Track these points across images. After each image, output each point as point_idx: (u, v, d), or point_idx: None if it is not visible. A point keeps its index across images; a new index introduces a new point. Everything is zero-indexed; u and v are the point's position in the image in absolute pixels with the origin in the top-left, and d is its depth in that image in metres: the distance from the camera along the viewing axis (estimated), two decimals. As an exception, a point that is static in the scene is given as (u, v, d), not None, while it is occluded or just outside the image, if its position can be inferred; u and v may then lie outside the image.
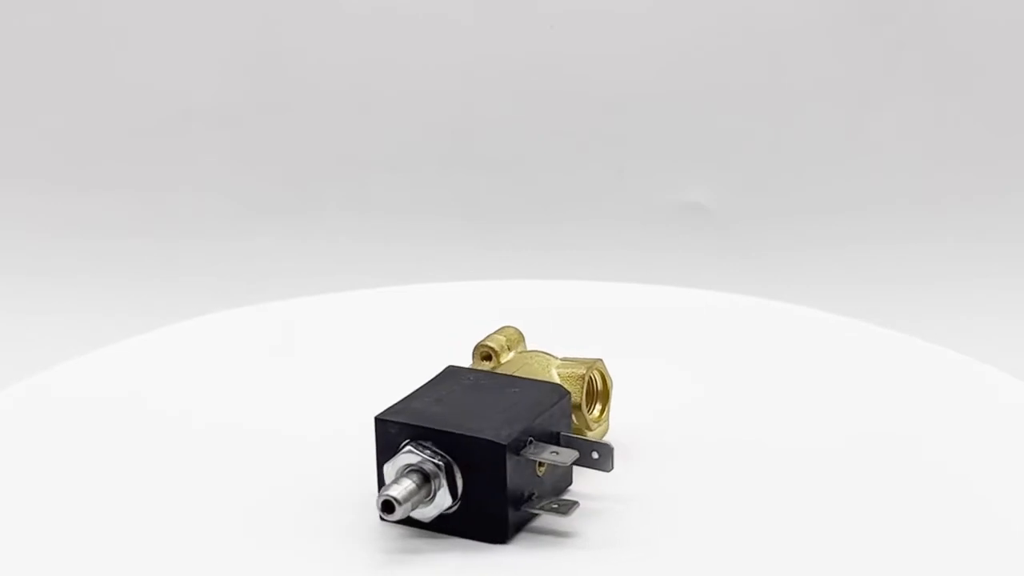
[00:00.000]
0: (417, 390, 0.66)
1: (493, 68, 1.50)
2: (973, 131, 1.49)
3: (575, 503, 0.64)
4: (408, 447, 0.63)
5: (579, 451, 0.64)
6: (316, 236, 1.50)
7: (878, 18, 1.48)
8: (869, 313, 1.00)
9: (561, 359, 0.70)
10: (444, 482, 0.62)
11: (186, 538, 0.65)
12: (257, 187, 1.52)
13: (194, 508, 0.67)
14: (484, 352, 0.71)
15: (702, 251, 1.48)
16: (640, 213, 1.50)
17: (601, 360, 0.70)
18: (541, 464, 0.64)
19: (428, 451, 0.62)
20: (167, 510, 0.67)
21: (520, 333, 0.72)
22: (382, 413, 0.64)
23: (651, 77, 1.50)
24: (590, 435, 0.69)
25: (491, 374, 0.68)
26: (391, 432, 0.63)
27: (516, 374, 0.68)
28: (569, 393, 0.66)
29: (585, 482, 0.66)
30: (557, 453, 0.63)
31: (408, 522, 0.63)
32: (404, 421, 0.63)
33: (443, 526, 0.63)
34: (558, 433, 0.65)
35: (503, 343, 0.71)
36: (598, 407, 0.70)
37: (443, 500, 0.62)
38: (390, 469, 0.63)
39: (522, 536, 0.64)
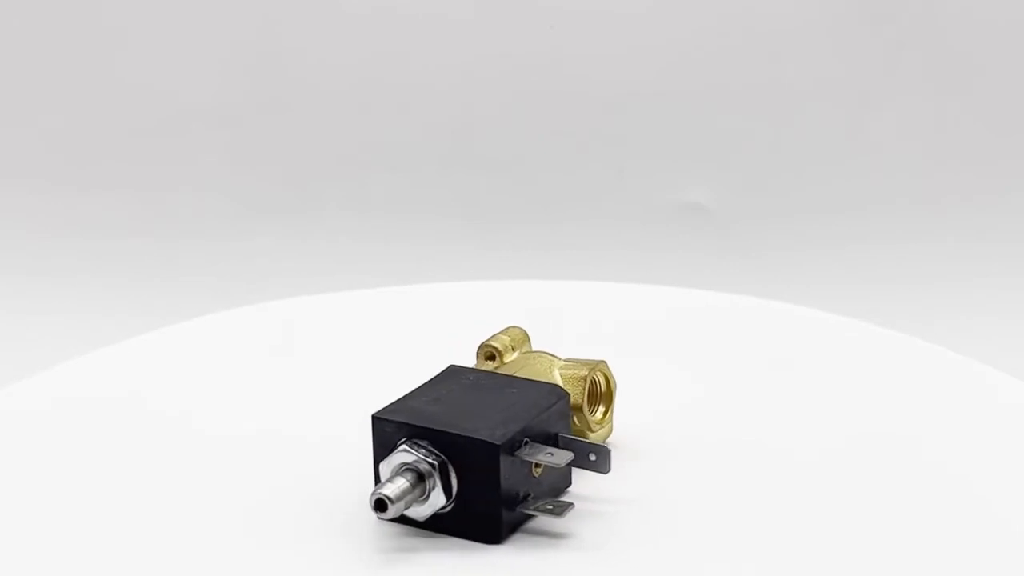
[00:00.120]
0: (416, 389, 0.67)
1: (493, 68, 1.50)
2: (973, 131, 1.49)
3: (570, 504, 0.64)
4: (403, 446, 0.63)
5: (576, 453, 0.64)
6: (316, 236, 1.50)
7: (878, 18, 1.48)
8: (869, 313, 1.00)
9: (564, 360, 0.70)
10: (438, 481, 0.62)
11: (186, 538, 0.65)
12: (257, 187, 1.52)
13: (194, 508, 0.67)
14: (488, 352, 0.71)
15: (702, 251, 1.48)
16: (640, 213, 1.50)
17: (604, 362, 0.70)
18: (537, 465, 0.64)
19: (423, 450, 0.62)
20: (167, 510, 0.67)
21: (525, 334, 0.72)
22: (379, 411, 0.64)
23: (651, 77, 1.50)
24: (592, 437, 0.69)
25: (491, 374, 0.68)
26: (387, 430, 0.63)
27: (517, 375, 0.68)
28: (568, 394, 0.66)
29: (584, 483, 0.66)
30: (552, 454, 0.63)
31: (405, 521, 0.64)
32: (400, 420, 0.63)
33: (438, 525, 0.63)
34: (556, 434, 0.65)
35: (507, 343, 0.71)
36: (601, 409, 0.70)
37: (437, 499, 0.62)
38: (385, 467, 0.63)
39: (517, 537, 0.64)
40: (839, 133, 1.50)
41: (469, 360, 0.71)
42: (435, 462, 0.62)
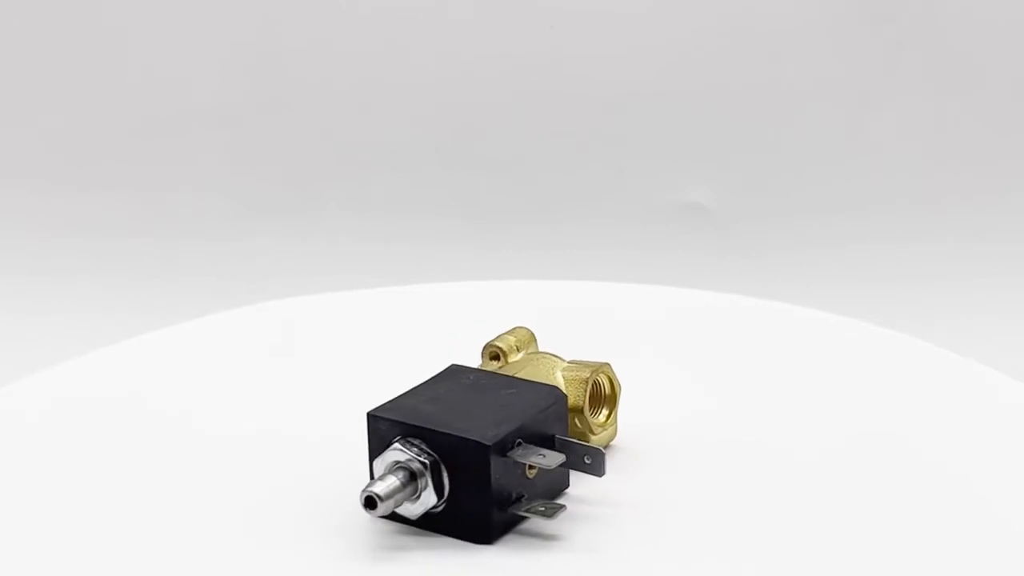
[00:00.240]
0: (415, 387, 0.67)
1: (493, 68, 1.50)
2: (973, 131, 1.49)
3: (561, 507, 0.63)
4: (396, 444, 0.63)
5: (571, 455, 0.64)
6: (316, 236, 1.50)
7: (878, 18, 1.48)
8: (869, 313, 1.00)
9: (568, 362, 0.70)
10: (430, 480, 0.62)
11: (186, 538, 0.65)
12: (257, 187, 1.52)
13: (194, 508, 0.67)
14: (492, 352, 0.71)
15: (702, 251, 1.48)
16: (640, 213, 1.50)
17: (608, 364, 0.70)
18: (531, 466, 0.64)
19: (415, 449, 0.63)
20: (167, 510, 0.67)
21: (532, 335, 0.72)
22: (374, 409, 0.64)
23: (651, 77, 1.50)
24: (595, 439, 0.69)
25: (491, 374, 0.68)
26: (382, 428, 0.64)
27: (519, 375, 0.68)
28: (565, 396, 0.66)
29: (584, 485, 0.66)
30: (544, 456, 0.63)
31: (401, 520, 0.64)
32: (394, 418, 0.64)
33: (431, 525, 0.64)
34: (552, 436, 0.65)
35: (512, 343, 0.71)
36: (604, 412, 0.70)
37: (428, 498, 0.63)
38: (379, 465, 0.63)
39: (509, 537, 0.64)
40: (839, 133, 1.50)
41: (470, 360, 0.71)
42: (427, 461, 0.62)
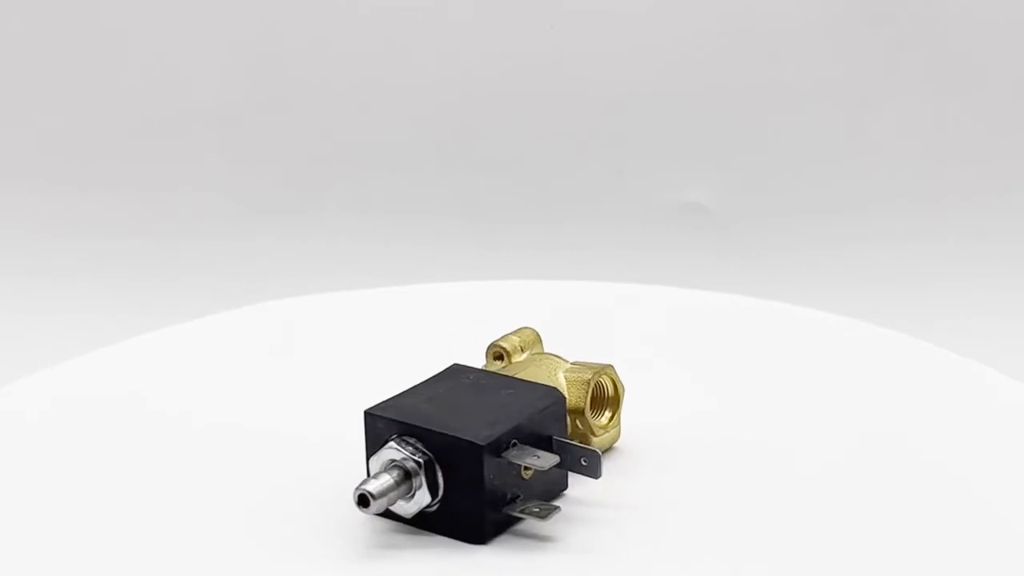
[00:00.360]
0: (415, 386, 0.67)
1: (493, 68, 1.50)
2: (973, 131, 1.49)
3: (556, 508, 0.63)
4: (392, 442, 0.63)
5: (568, 457, 0.64)
6: (316, 236, 1.50)
7: (878, 18, 1.48)
8: (869, 313, 1.00)
9: (571, 363, 0.70)
10: (424, 480, 0.62)
11: (186, 538, 0.65)
12: (257, 187, 1.52)
13: (194, 508, 0.67)
14: (496, 352, 0.71)
15: (702, 251, 1.48)
16: (640, 213, 1.50)
17: (611, 366, 0.69)
18: (527, 467, 0.64)
19: (410, 448, 0.63)
20: (167, 510, 0.67)
21: (537, 335, 0.72)
22: (371, 407, 0.65)
23: (651, 77, 1.50)
24: (598, 441, 0.69)
25: (491, 374, 0.68)
26: (378, 426, 0.64)
27: (520, 375, 0.68)
28: (564, 397, 0.66)
29: (583, 486, 0.66)
30: (538, 457, 0.63)
31: (397, 518, 0.64)
32: (390, 417, 0.64)
33: (425, 524, 0.64)
34: (550, 437, 0.65)
35: (516, 344, 0.71)
36: (607, 414, 0.70)
37: (423, 497, 0.63)
38: (374, 463, 0.63)
39: (504, 538, 0.64)
40: (839, 133, 1.50)
41: (470, 360, 0.71)
42: (421, 460, 0.62)
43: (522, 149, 1.51)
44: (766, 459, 0.70)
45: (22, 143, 1.52)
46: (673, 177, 1.50)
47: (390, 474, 0.62)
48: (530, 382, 0.67)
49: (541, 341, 0.72)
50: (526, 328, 0.72)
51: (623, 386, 0.70)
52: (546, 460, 0.63)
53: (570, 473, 0.66)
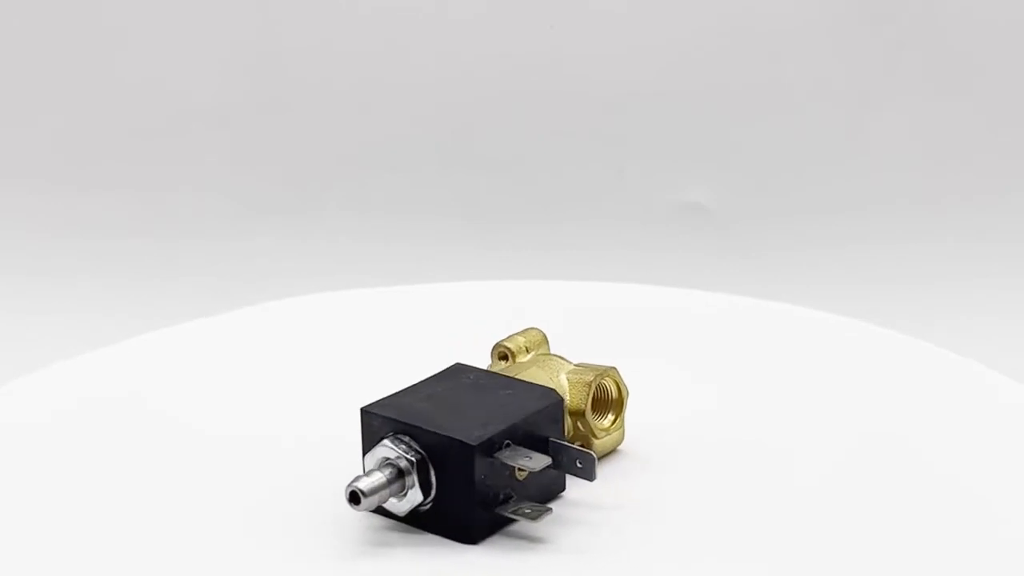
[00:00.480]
0: (414, 385, 0.67)
1: (493, 68, 1.50)
2: (973, 131, 1.49)
3: (547, 509, 0.63)
4: (386, 441, 0.63)
5: (564, 459, 0.64)
6: (316, 236, 1.50)
7: (878, 18, 1.48)
8: (869, 313, 1.00)
9: (575, 365, 0.70)
10: (416, 478, 0.62)
11: (186, 538, 0.65)
12: (257, 187, 1.52)
13: (194, 508, 0.67)
14: (501, 352, 0.71)
15: (702, 251, 1.48)
16: (640, 213, 1.50)
17: (615, 369, 0.69)
18: (521, 468, 0.64)
19: (404, 446, 0.63)
20: (167, 510, 0.67)
21: (544, 336, 0.72)
22: (367, 405, 0.65)
23: (651, 77, 1.50)
24: (600, 443, 0.68)
25: (492, 374, 0.68)
26: (374, 424, 0.64)
27: (521, 376, 0.68)
28: (561, 399, 0.66)
29: (582, 486, 0.66)
30: (530, 458, 0.63)
31: (392, 516, 0.64)
32: (386, 415, 0.64)
33: (419, 522, 0.64)
34: (547, 438, 0.65)
35: (521, 344, 0.71)
36: (610, 416, 0.69)
37: (415, 496, 0.63)
38: (369, 460, 0.63)
39: (497, 538, 0.64)
40: (839, 133, 1.50)
41: (470, 360, 0.71)
42: (414, 459, 0.63)
43: (522, 149, 1.51)
44: (766, 459, 0.70)
45: (22, 143, 1.52)
46: (673, 177, 1.50)
47: (383, 472, 0.63)
48: (529, 383, 0.67)
49: (548, 342, 0.72)
50: (533, 329, 0.72)
51: (627, 389, 0.70)
52: (538, 461, 0.63)
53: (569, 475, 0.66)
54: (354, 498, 0.62)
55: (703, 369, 0.79)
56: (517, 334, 0.71)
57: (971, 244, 1.47)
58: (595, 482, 0.65)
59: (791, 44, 1.49)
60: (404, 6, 1.50)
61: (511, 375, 0.68)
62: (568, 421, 0.68)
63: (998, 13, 1.48)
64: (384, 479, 0.63)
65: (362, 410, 0.65)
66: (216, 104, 1.51)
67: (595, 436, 0.68)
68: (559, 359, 0.70)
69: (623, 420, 0.70)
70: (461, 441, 0.62)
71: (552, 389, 0.66)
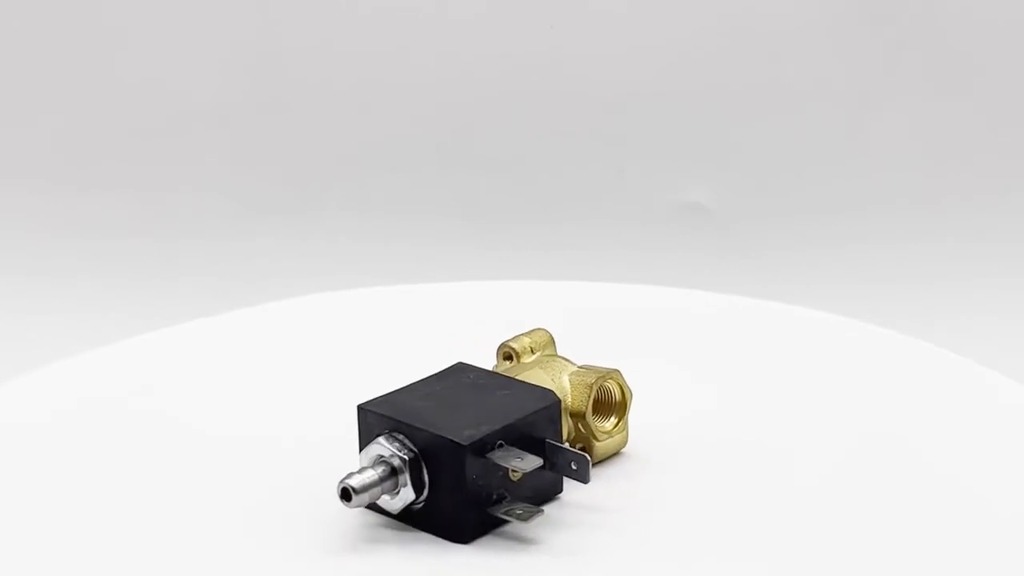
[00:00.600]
0: (414, 383, 0.67)
1: (493, 68, 1.50)
2: (973, 131, 1.49)
3: (539, 511, 0.63)
4: (380, 438, 0.63)
5: (560, 460, 0.64)
6: (316, 236, 1.50)
7: (878, 18, 1.48)
8: (869, 313, 1.00)
9: (579, 366, 0.70)
10: (409, 477, 0.62)
11: (185, 538, 0.65)
12: (257, 187, 1.52)
13: (193, 508, 0.67)
14: (505, 352, 0.71)
15: (702, 251, 1.48)
16: (640, 213, 1.50)
17: (618, 371, 0.69)
18: (514, 469, 0.64)
19: (398, 444, 0.63)
20: (166, 510, 0.67)
21: (550, 337, 0.72)
22: (365, 402, 0.65)
23: (651, 77, 1.50)
24: (601, 446, 0.68)
25: (492, 374, 0.68)
26: (370, 421, 0.64)
27: (523, 377, 0.68)
28: (559, 401, 0.66)
29: (582, 487, 0.66)
30: (521, 459, 0.63)
31: (386, 513, 0.64)
32: (381, 412, 0.64)
33: (413, 521, 0.64)
34: (543, 439, 0.65)
35: (527, 345, 0.71)
36: (613, 419, 0.69)
37: (407, 494, 0.63)
38: (363, 458, 0.64)
39: (487, 539, 0.64)
40: (839, 133, 1.50)
41: (470, 360, 0.71)
42: (406, 457, 0.63)
43: (522, 149, 1.51)
44: (766, 459, 0.70)
45: (22, 143, 1.52)
46: (673, 177, 1.50)
47: (375, 469, 0.63)
48: (528, 384, 0.67)
49: (554, 343, 0.72)
50: (539, 330, 0.72)
51: (631, 392, 0.69)
52: (529, 462, 0.63)
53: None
54: (345, 495, 0.62)
55: (703, 369, 0.79)
56: (523, 334, 0.71)
57: (971, 244, 1.47)
58: (595, 482, 0.65)
59: (791, 44, 1.49)
60: (404, 6, 1.50)
61: (513, 375, 0.68)
62: (569, 423, 0.68)
63: (998, 13, 1.48)
64: (376, 476, 0.63)
65: (359, 407, 0.65)
66: (216, 104, 1.51)
67: (596, 438, 0.68)
68: (563, 360, 0.70)
69: (626, 423, 0.69)
70: (452, 440, 0.62)
71: (550, 390, 0.66)
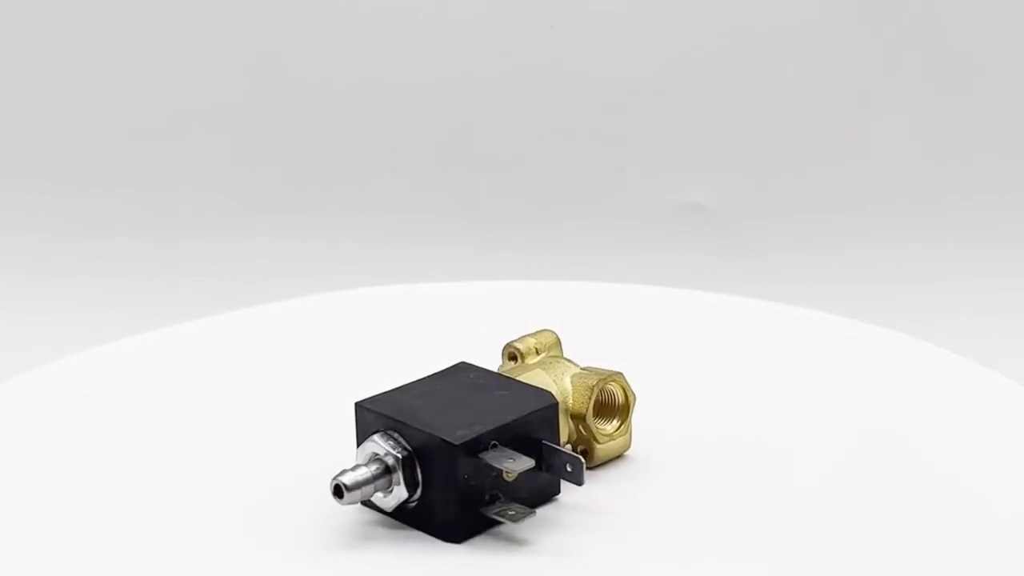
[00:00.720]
0: (414, 382, 0.67)
1: (493, 68, 1.50)
2: (973, 131, 1.49)
3: (531, 512, 0.63)
4: (376, 436, 0.63)
5: (555, 462, 0.64)
6: (316, 236, 1.50)
7: (878, 18, 1.48)
8: (869, 313, 1.00)
9: (582, 368, 0.70)
10: (402, 475, 0.63)
11: (185, 538, 0.65)
12: (257, 187, 1.52)
13: (193, 508, 0.67)
14: (510, 352, 0.71)
15: (702, 251, 1.48)
16: (640, 213, 1.50)
17: (621, 374, 0.69)
18: (506, 469, 0.64)
19: (392, 442, 0.63)
20: (166, 510, 0.67)
21: (557, 338, 0.71)
22: (362, 400, 0.65)
23: (651, 77, 1.50)
24: (603, 448, 0.68)
25: (493, 374, 0.68)
26: (367, 419, 0.64)
27: (524, 377, 0.68)
28: (556, 402, 0.66)
29: (580, 488, 0.66)
30: (513, 460, 0.63)
31: (381, 511, 0.64)
32: (377, 410, 0.64)
33: (407, 519, 0.64)
34: (540, 440, 0.64)
35: (532, 345, 0.71)
36: (615, 422, 0.69)
37: (400, 492, 0.63)
38: (358, 455, 0.64)
39: (482, 539, 0.64)
40: (839, 133, 1.50)
41: (470, 360, 0.71)
42: (400, 455, 0.63)
43: (522, 149, 1.51)
44: (766, 459, 0.70)
45: (22, 143, 1.52)
46: (673, 177, 1.50)
47: (369, 467, 0.63)
48: (527, 384, 0.67)
49: (560, 345, 0.72)
50: (546, 331, 0.72)
51: (634, 394, 0.69)
52: (521, 463, 0.63)
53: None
54: (337, 491, 0.63)
55: (703, 369, 0.79)
56: (529, 335, 0.71)
57: (971, 244, 1.47)
58: (594, 482, 0.65)
59: (791, 44, 1.49)
60: (404, 6, 1.50)
61: (515, 376, 0.68)
62: (570, 424, 0.68)
63: (998, 13, 1.48)
64: (369, 474, 0.63)
65: (356, 404, 0.65)
66: (216, 104, 1.51)
67: (597, 441, 0.68)
68: (567, 362, 0.70)
69: (629, 425, 0.69)
70: (444, 440, 0.62)
71: (548, 392, 0.66)
